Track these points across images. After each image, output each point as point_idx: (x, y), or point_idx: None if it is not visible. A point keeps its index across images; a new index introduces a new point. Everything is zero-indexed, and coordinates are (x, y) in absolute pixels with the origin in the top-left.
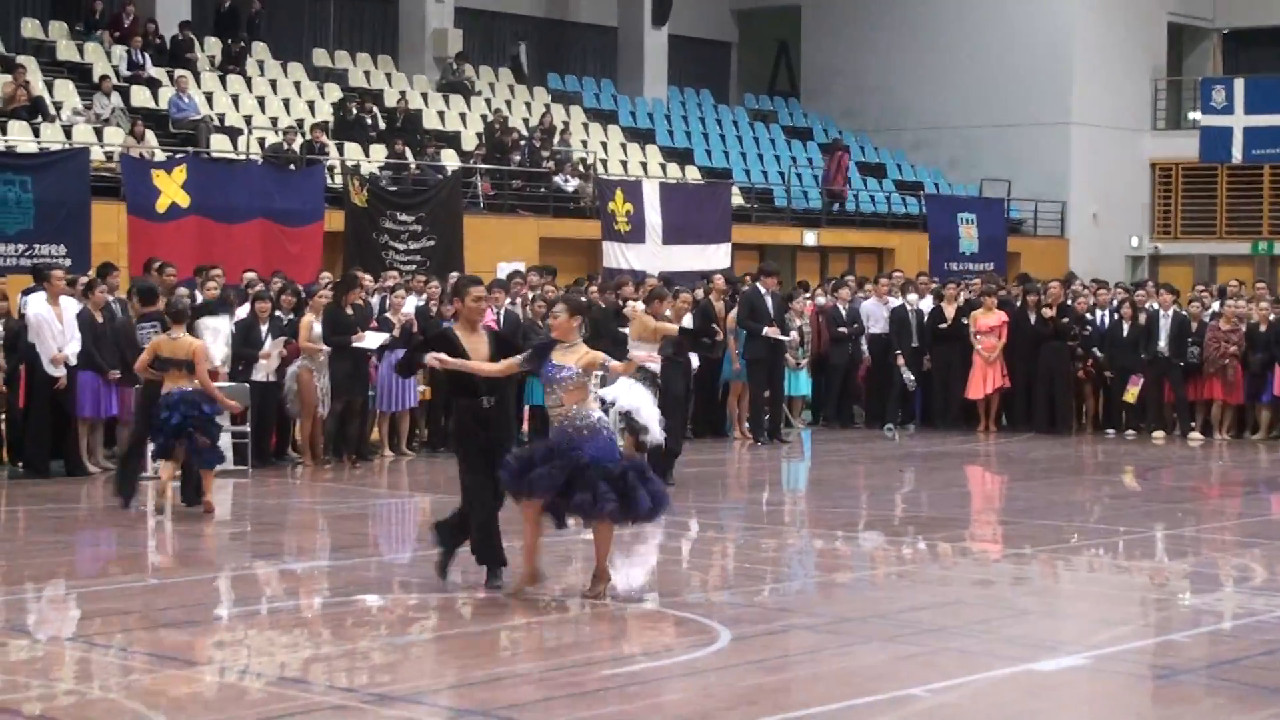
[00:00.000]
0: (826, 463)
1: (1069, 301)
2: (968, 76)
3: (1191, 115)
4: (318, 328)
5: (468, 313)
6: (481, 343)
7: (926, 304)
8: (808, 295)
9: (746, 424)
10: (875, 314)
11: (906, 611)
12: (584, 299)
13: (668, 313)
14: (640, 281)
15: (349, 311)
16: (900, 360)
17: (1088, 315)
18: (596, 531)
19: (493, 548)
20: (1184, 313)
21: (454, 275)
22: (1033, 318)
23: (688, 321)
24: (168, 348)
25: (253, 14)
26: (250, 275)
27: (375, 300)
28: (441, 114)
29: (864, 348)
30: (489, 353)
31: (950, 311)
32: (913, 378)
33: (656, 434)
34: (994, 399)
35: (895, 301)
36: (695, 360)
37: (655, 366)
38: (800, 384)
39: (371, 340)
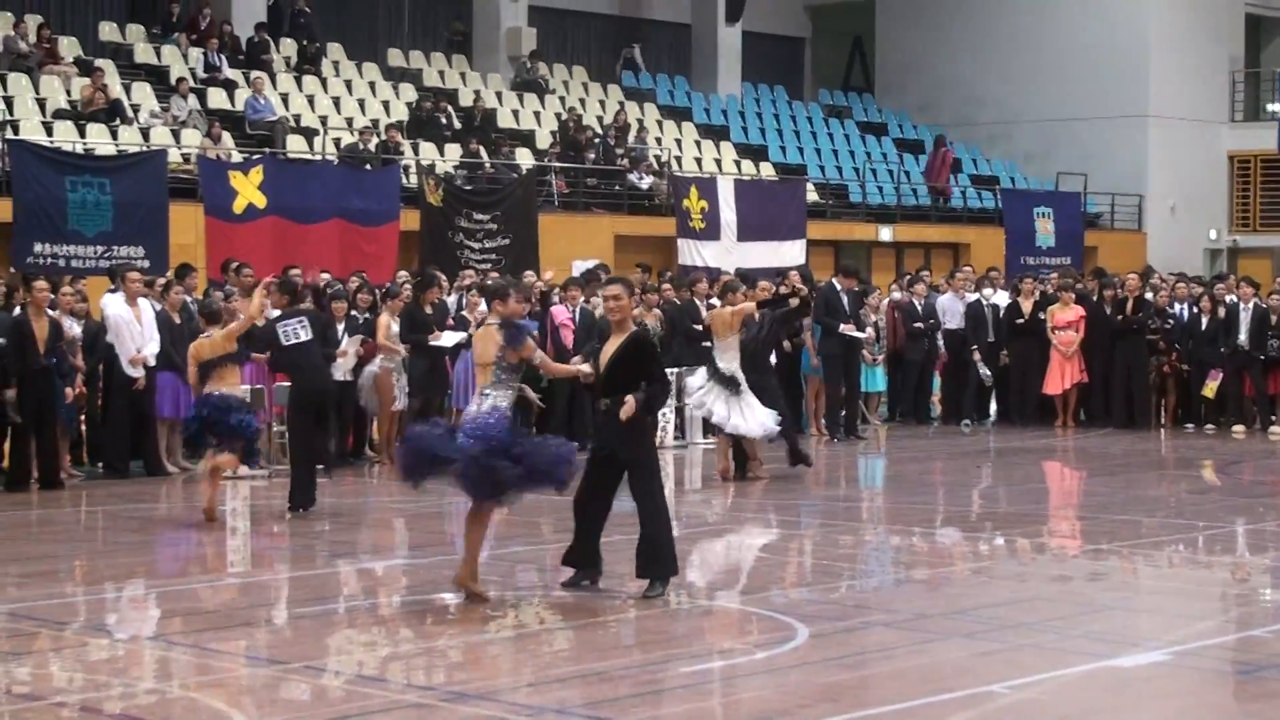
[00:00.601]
0: (903, 459)
1: (1147, 295)
2: (1044, 69)
3: (1270, 107)
4: (395, 327)
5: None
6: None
7: (1002, 299)
8: (893, 287)
9: (823, 420)
10: (951, 309)
11: (985, 608)
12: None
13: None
14: (715, 279)
15: (427, 310)
16: (977, 355)
17: (1167, 309)
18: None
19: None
20: (1264, 306)
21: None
22: (1109, 312)
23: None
24: (207, 349)
25: (295, 10)
26: (325, 275)
27: (451, 299)
28: (516, 112)
29: (940, 343)
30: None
31: (1027, 306)
32: (989, 373)
33: (753, 428)
34: (1072, 394)
35: (971, 296)
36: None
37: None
38: (876, 380)
39: (448, 339)
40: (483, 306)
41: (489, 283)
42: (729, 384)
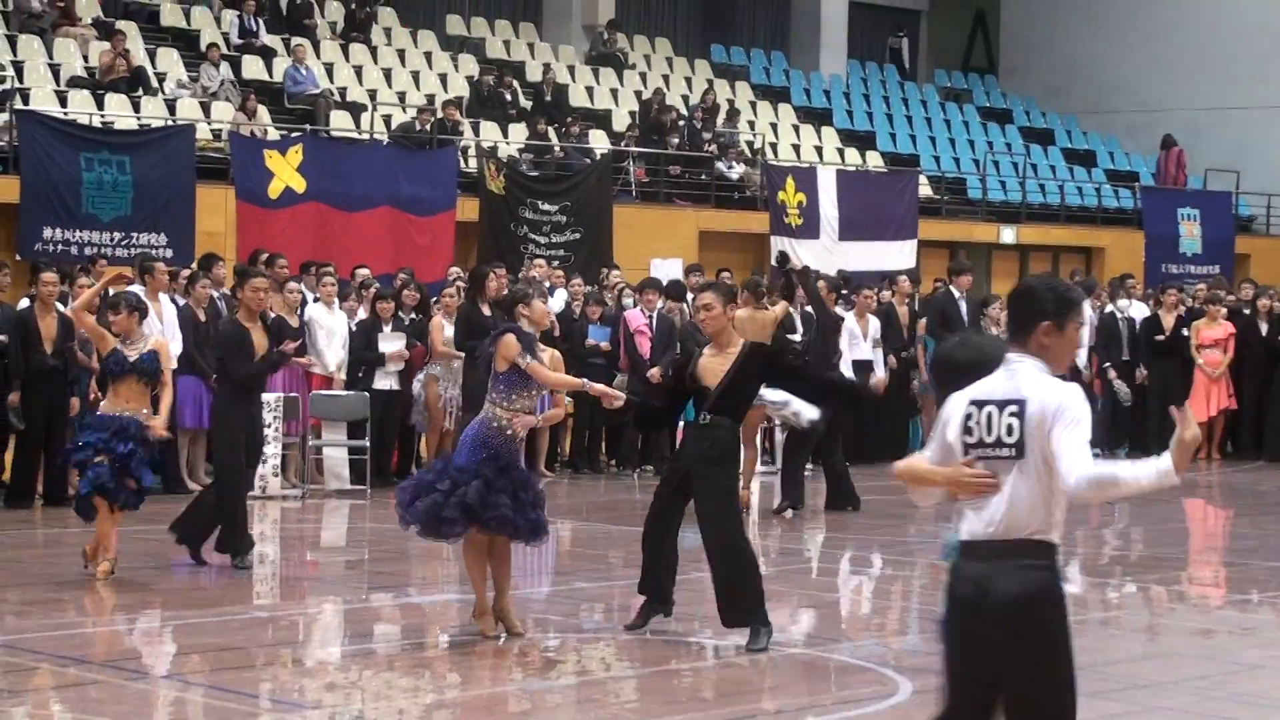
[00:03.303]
0: None
1: None
2: (1189, 52)
3: None
4: (449, 330)
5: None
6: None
7: (1139, 311)
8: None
9: None
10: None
11: (1113, 664)
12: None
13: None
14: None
15: (486, 312)
16: (1113, 374)
17: None
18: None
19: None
20: None
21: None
22: (1265, 329)
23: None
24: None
25: None
26: (364, 271)
27: None
28: (590, 90)
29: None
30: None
31: (1169, 321)
32: (1128, 390)
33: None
34: (1218, 422)
35: (1105, 309)
36: (881, 370)
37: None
38: None
39: None
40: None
41: (506, 293)
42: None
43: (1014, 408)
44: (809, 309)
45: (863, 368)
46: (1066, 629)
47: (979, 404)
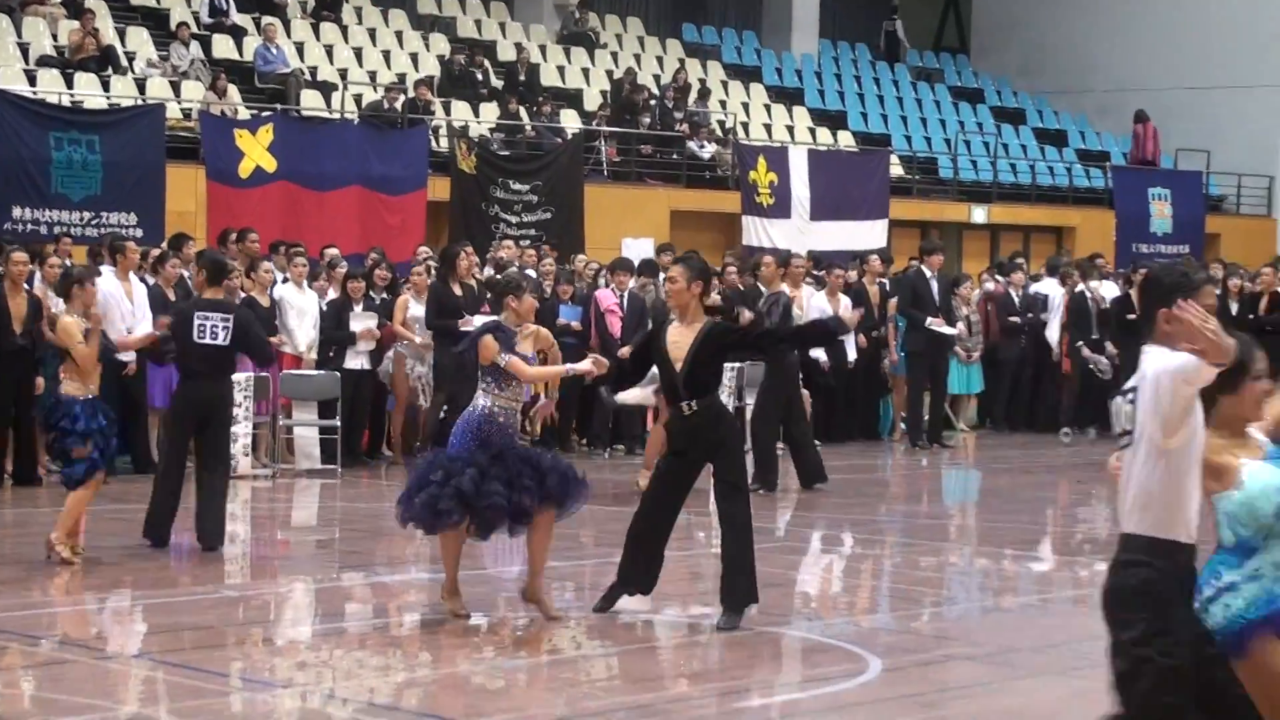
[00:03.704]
0: (994, 471)
1: None
2: (1162, 31)
3: None
4: (415, 308)
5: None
6: None
7: (1108, 290)
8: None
9: (903, 425)
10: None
11: (1083, 641)
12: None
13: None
14: (785, 262)
15: (457, 292)
16: (1085, 350)
17: None
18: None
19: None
20: None
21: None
22: (1235, 309)
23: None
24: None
25: None
26: (332, 251)
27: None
28: (561, 69)
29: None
30: None
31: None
32: (1106, 361)
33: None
34: None
35: (1076, 288)
36: (852, 352)
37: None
38: (971, 381)
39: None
40: None
41: (499, 277)
42: None
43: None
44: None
45: (834, 347)
46: None
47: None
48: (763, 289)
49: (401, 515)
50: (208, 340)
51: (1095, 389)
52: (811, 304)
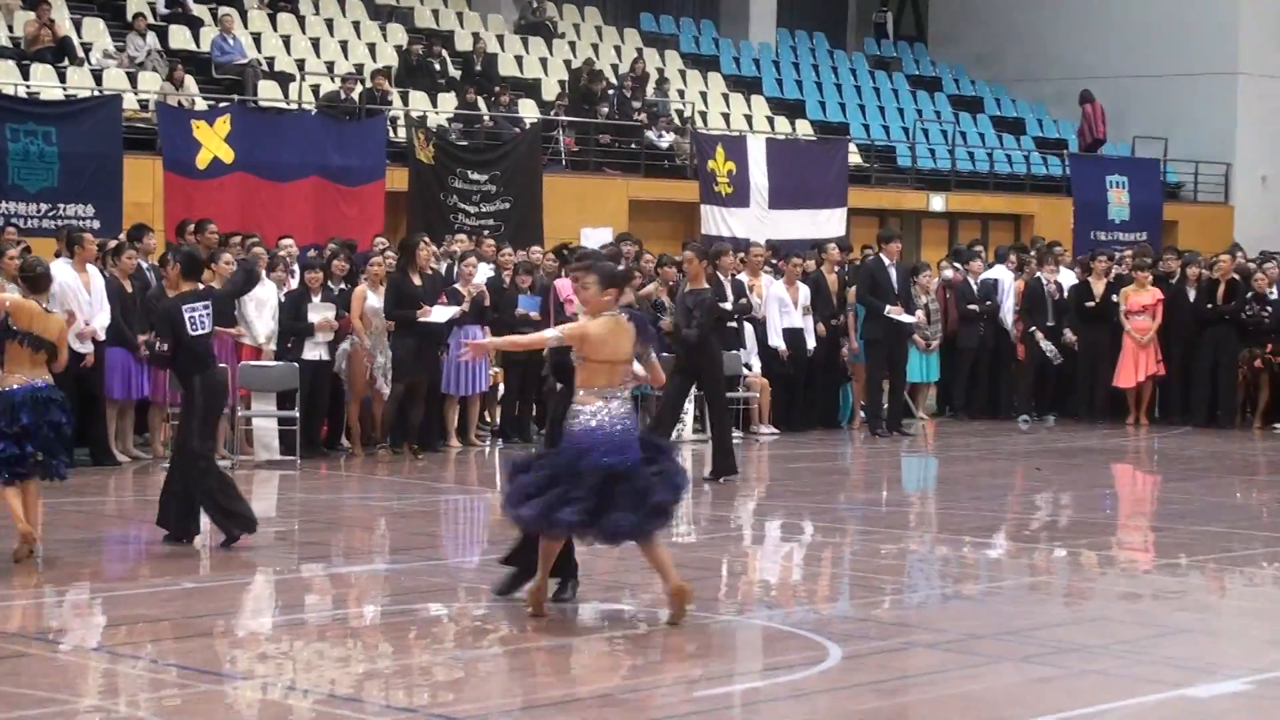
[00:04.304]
0: (953, 459)
1: (1240, 278)
2: (1120, 20)
3: None
4: (372, 299)
5: None
6: None
7: (1066, 278)
8: (944, 264)
9: (863, 413)
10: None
11: (1042, 628)
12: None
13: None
14: (744, 250)
15: (417, 282)
16: (1040, 336)
17: (1270, 293)
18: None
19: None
20: None
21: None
22: (1194, 296)
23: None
24: (40, 322)
25: None
26: (286, 242)
27: (441, 268)
28: (519, 59)
29: (1010, 327)
30: None
31: (1099, 288)
32: (1056, 349)
33: None
34: (1146, 388)
35: (1034, 274)
36: (811, 340)
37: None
38: (930, 369)
39: (440, 315)
40: (479, 278)
41: (597, 262)
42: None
43: None
44: (740, 278)
45: (793, 335)
46: None
47: None
48: (721, 278)
49: (518, 518)
50: (200, 331)
51: (1051, 376)
52: (770, 292)
